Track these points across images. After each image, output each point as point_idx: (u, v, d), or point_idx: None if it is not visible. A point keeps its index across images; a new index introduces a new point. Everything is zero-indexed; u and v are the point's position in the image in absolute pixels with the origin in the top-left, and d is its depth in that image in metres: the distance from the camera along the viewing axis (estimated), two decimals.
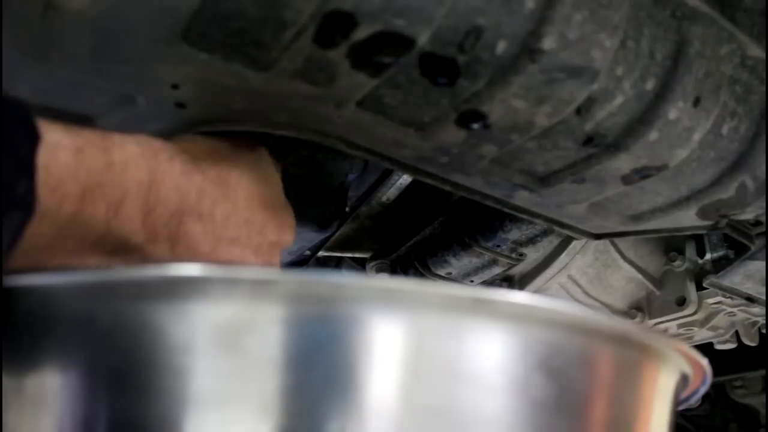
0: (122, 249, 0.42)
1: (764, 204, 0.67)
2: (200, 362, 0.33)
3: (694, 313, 1.06)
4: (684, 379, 0.44)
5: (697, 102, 0.55)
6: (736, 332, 1.19)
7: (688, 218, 0.69)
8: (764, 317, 1.12)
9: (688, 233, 0.73)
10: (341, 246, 1.04)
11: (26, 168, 0.34)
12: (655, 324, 1.11)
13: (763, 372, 1.42)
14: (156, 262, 0.43)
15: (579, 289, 1.07)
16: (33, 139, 0.35)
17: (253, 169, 0.52)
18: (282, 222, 0.53)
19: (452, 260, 0.99)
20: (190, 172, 0.46)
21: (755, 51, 0.57)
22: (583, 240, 0.87)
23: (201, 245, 0.46)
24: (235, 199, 0.49)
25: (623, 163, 0.58)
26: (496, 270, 1.01)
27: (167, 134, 0.52)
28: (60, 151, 0.36)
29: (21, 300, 0.35)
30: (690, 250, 1.06)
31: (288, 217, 0.54)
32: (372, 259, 1.07)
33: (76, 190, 0.37)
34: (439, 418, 0.34)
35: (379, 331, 0.34)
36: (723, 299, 1.04)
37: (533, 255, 1.01)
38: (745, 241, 0.75)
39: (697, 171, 0.61)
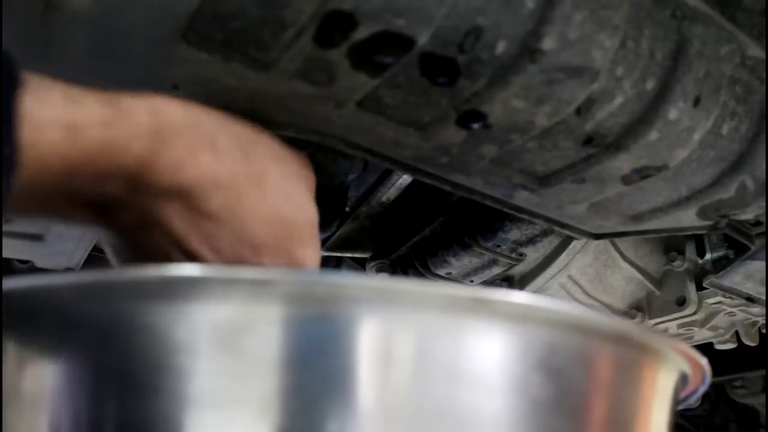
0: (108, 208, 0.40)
1: (764, 204, 0.67)
2: (199, 362, 0.33)
3: (694, 313, 1.06)
4: (683, 379, 0.44)
5: (697, 102, 0.55)
6: (736, 332, 1.19)
7: (688, 218, 0.69)
8: (764, 317, 1.12)
9: (688, 233, 0.73)
10: (341, 246, 1.04)
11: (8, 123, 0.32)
12: (655, 324, 1.11)
13: (763, 372, 1.42)
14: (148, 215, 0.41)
15: (579, 289, 1.07)
16: (15, 87, 0.33)
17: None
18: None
19: (452, 260, 0.99)
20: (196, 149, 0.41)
21: (755, 51, 0.57)
22: (583, 240, 0.87)
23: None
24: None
25: (623, 163, 0.58)
26: (496, 270, 1.01)
27: None
28: (51, 130, 0.34)
29: (21, 300, 0.35)
30: (690, 250, 1.06)
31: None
32: (372, 259, 1.07)
33: (63, 168, 0.35)
34: (439, 417, 0.34)
35: (378, 332, 0.34)
36: (723, 299, 1.04)
37: (533, 255, 1.01)
38: (745, 241, 0.75)
39: (697, 171, 0.61)
